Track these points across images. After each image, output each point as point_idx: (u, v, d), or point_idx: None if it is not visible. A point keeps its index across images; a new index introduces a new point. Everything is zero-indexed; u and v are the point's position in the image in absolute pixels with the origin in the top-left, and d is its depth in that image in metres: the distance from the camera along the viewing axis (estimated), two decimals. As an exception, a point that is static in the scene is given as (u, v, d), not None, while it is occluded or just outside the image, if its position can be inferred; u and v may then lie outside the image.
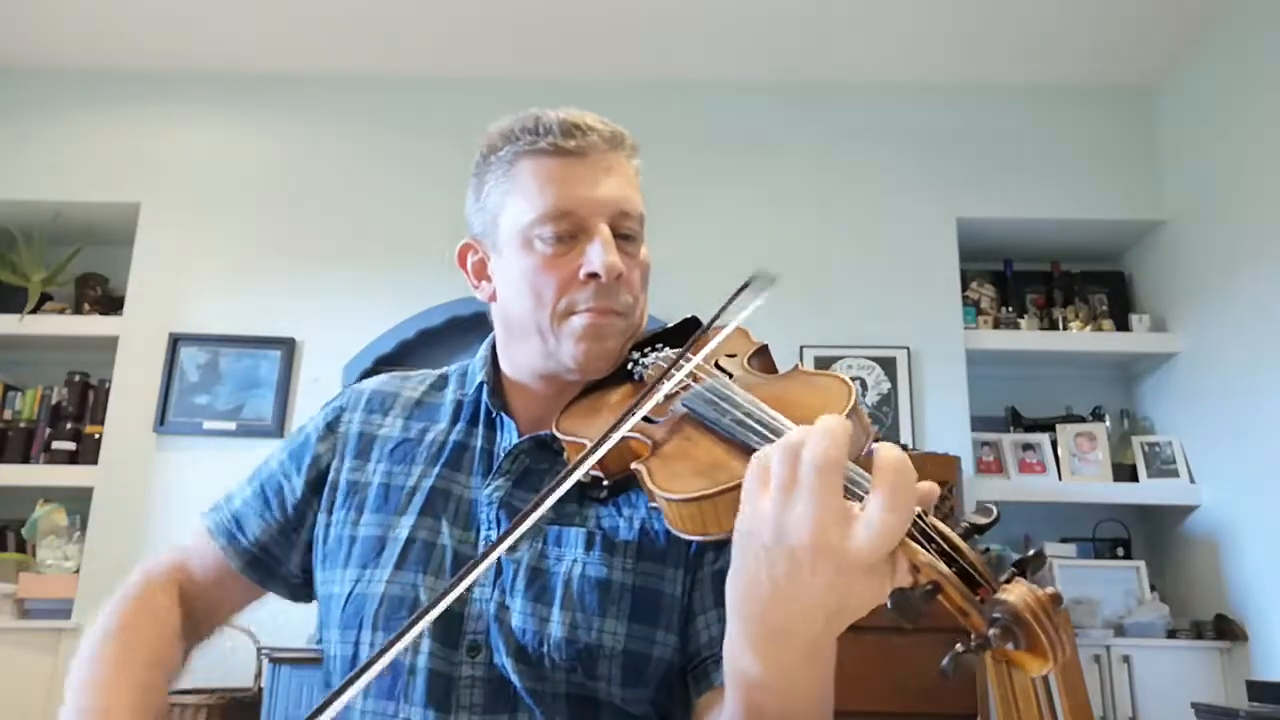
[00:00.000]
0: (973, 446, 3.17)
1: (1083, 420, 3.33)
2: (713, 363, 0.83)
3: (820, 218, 3.39)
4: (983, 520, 0.54)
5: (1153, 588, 3.06)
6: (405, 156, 3.45)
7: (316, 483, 0.95)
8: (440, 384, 1.01)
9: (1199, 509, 3.07)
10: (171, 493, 3.09)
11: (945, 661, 0.48)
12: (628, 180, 0.89)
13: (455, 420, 0.95)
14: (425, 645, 0.81)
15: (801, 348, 3.21)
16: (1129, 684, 2.76)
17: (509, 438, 0.91)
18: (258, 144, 3.53)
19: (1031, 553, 0.53)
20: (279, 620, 2.61)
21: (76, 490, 3.14)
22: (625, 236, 0.88)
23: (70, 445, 3.24)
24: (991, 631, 0.49)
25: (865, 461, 0.55)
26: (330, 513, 0.92)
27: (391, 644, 0.59)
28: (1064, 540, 3.21)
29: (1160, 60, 3.33)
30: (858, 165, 3.44)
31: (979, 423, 3.26)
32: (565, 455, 0.87)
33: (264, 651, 2.56)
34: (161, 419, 3.17)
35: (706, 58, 3.43)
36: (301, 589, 0.98)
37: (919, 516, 0.54)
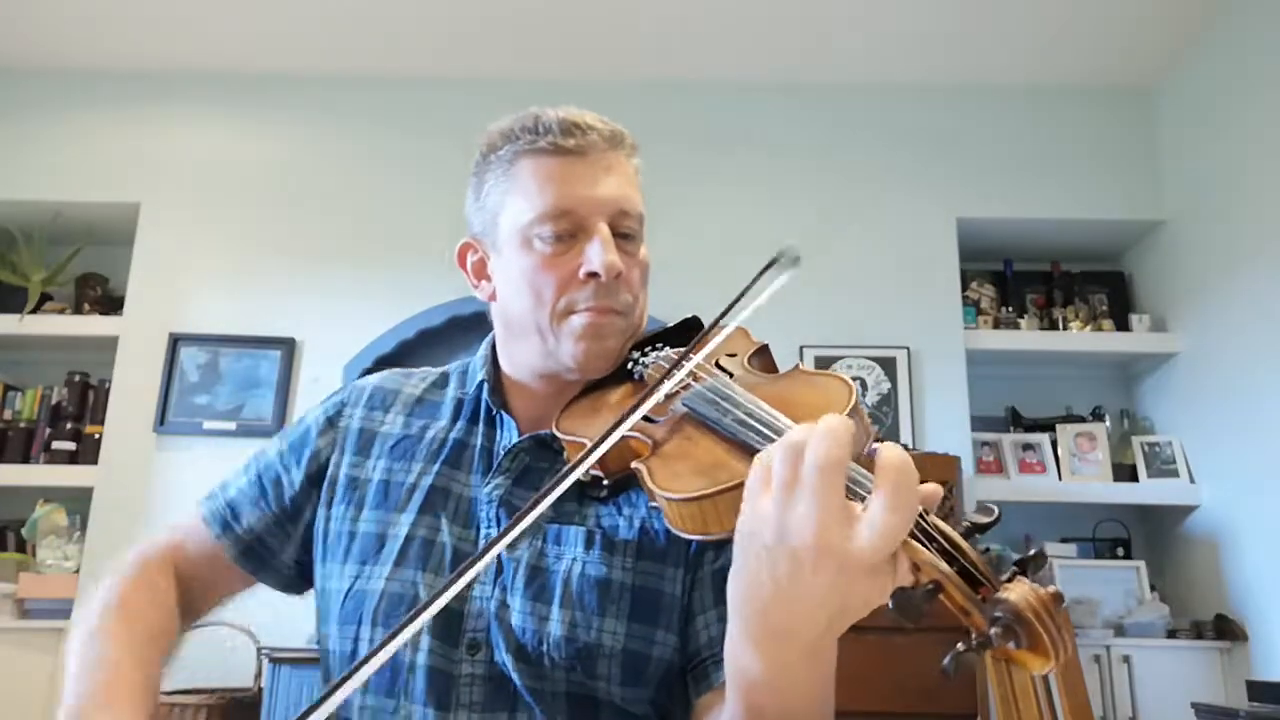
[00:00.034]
0: (973, 446, 3.17)
1: (1083, 420, 3.33)
2: (713, 362, 0.83)
3: (820, 218, 3.39)
4: (984, 520, 0.54)
5: (1153, 588, 3.06)
6: (405, 156, 3.45)
7: (316, 476, 0.95)
8: (441, 382, 1.01)
9: (1199, 509, 3.07)
10: (171, 493, 3.09)
11: (946, 660, 0.48)
12: (627, 179, 0.89)
13: (456, 418, 0.95)
14: (425, 642, 0.81)
15: (801, 348, 3.21)
16: (1129, 684, 2.76)
17: (509, 436, 0.91)
18: (258, 144, 3.52)
19: (1033, 552, 0.53)
20: (279, 620, 2.60)
21: (76, 490, 3.14)
22: (625, 236, 0.88)
23: (70, 445, 3.23)
24: (993, 630, 0.49)
25: (866, 461, 0.55)
26: (330, 507, 0.92)
27: (390, 639, 0.59)
28: (1064, 540, 3.21)
29: (1160, 60, 3.33)
30: (858, 165, 3.44)
31: (979, 423, 3.25)
32: (565, 455, 0.87)
33: (264, 651, 2.56)
34: (161, 419, 3.17)
35: (706, 58, 3.43)
36: (294, 581, 0.97)
37: (920, 516, 0.53)
